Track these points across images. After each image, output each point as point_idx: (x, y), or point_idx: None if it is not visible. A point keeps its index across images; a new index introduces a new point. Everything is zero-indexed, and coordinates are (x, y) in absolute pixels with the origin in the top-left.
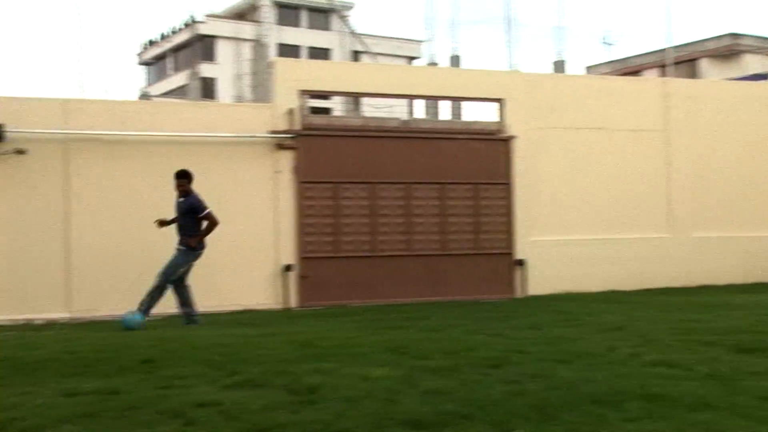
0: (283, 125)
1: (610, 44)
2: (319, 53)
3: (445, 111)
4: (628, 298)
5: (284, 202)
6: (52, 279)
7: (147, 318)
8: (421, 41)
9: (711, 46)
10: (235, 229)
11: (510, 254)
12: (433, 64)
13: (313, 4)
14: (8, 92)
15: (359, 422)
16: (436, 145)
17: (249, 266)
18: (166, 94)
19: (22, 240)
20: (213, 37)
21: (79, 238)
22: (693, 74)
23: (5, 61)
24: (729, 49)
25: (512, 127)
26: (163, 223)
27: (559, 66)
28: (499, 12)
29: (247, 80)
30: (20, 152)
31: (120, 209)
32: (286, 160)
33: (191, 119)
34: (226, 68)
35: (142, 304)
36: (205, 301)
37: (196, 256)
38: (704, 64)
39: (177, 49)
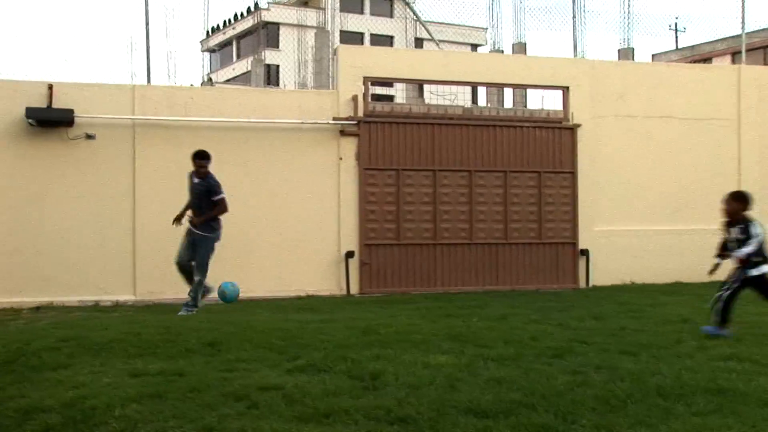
0: (346, 112)
1: (679, 31)
2: (383, 40)
3: (509, 99)
4: (693, 291)
5: (347, 189)
6: (119, 262)
7: (200, 306)
8: (485, 28)
9: None
10: (298, 215)
11: (573, 244)
12: (497, 51)
13: None
14: (77, 78)
15: (421, 409)
16: (500, 133)
17: (311, 253)
18: (229, 81)
19: (91, 222)
20: (277, 24)
21: (144, 222)
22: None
23: (73, 48)
24: None
25: (577, 116)
26: (178, 218)
27: (625, 53)
28: None
29: (310, 67)
30: (89, 137)
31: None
32: (349, 147)
33: (254, 105)
34: (289, 55)
35: (192, 299)
36: (267, 287)
37: (218, 238)
38: None
39: (241, 36)
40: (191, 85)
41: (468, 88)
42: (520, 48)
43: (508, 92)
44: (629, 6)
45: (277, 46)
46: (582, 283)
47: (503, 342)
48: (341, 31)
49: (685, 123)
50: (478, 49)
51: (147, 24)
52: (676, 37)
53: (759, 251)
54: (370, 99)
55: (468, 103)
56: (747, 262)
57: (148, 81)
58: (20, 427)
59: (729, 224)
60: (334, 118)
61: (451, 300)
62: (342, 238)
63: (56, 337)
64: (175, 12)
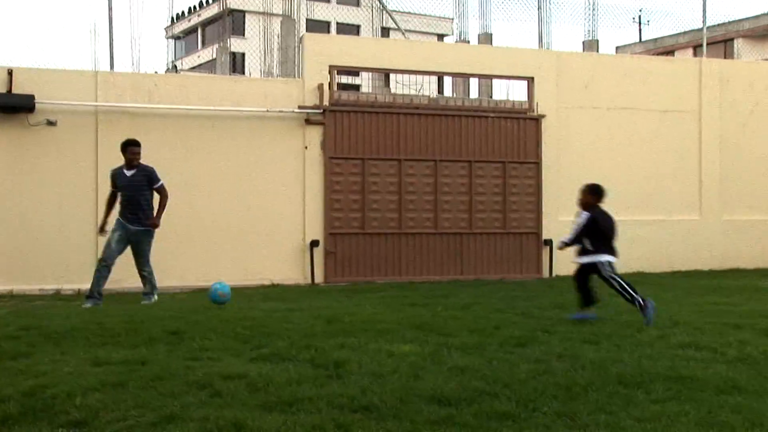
0: (312, 100)
1: (643, 23)
2: (349, 29)
3: (474, 89)
4: (655, 280)
5: (312, 178)
6: (80, 250)
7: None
8: (451, 18)
9: (747, 25)
10: (263, 203)
11: (538, 234)
12: (463, 41)
13: None
14: (38, 64)
15: (385, 397)
16: (465, 123)
17: (276, 241)
18: (194, 69)
19: (52, 210)
20: (242, 11)
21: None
22: (728, 55)
23: (35, 33)
24: (766, 28)
25: (542, 106)
26: (104, 228)
27: (590, 45)
28: None
29: (276, 55)
30: (51, 123)
31: None
32: (314, 135)
33: (220, 93)
34: (255, 43)
35: (151, 286)
36: (232, 275)
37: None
38: (740, 44)
39: (206, 23)
40: (155, 72)
41: (434, 78)
42: (485, 38)
43: (474, 82)
44: None
45: (243, 34)
46: (545, 273)
47: (467, 331)
48: (307, 20)
49: (649, 114)
50: (445, 39)
51: (110, 9)
52: (640, 29)
53: (602, 240)
54: (335, 88)
55: (434, 93)
56: (581, 250)
57: (112, 67)
58: None
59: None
60: (300, 107)
61: (415, 289)
62: (307, 227)
63: (16, 326)
64: None
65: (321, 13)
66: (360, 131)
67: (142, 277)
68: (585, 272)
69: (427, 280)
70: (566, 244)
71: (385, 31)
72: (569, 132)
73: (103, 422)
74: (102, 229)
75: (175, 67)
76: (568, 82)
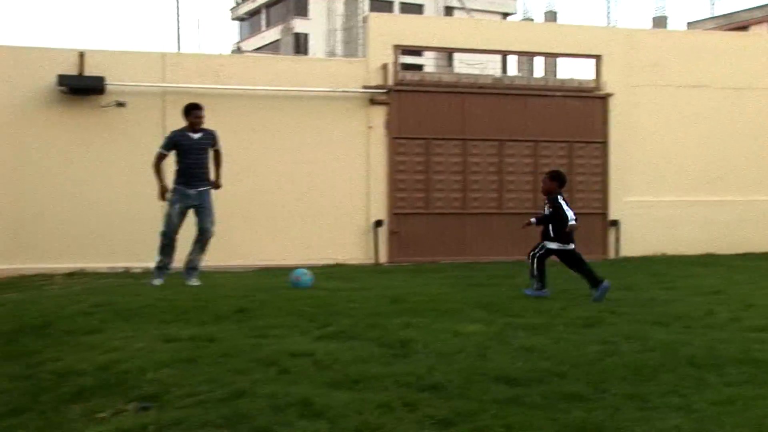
0: (376, 80)
1: None
2: (412, 8)
3: (539, 68)
4: (726, 262)
5: (376, 158)
6: (149, 228)
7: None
8: None
9: None
10: (327, 183)
11: (604, 214)
12: (528, 19)
13: None
14: (108, 46)
15: (451, 377)
16: (530, 103)
17: (340, 221)
18: (258, 50)
19: (122, 190)
20: None
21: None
22: None
23: (105, 16)
24: None
25: (609, 85)
26: (164, 193)
27: (659, 21)
28: None
29: (339, 36)
30: (120, 104)
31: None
32: (378, 115)
33: (285, 74)
34: (318, 24)
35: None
36: (296, 255)
37: None
38: None
39: (270, 4)
40: (221, 53)
41: (498, 57)
42: (551, 16)
43: (538, 61)
44: None
45: (307, 15)
46: (612, 254)
47: (533, 311)
48: (371, 0)
49: (721, 92)
50: (508, 18)
51: None
52: (712, 4)
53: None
54: (399, 68)
55: (498, 72)
56: (547, 235)
57: (179, 49)
58: (56, 389)
59: (546, 199)
60: (364, 87)
61: (480, 269)
62: (371, 207)
63: (89, 303)
64: None
65: None
66: (424, 111)
67: (199, 250)
68: (547, 256)
69: (491, 261)
70: (553, 230)
71: (449, 10)
72: (638, 111)
73: (174, 397)
74: (163, 195)
75: (240, 48)
76: (636, 60)
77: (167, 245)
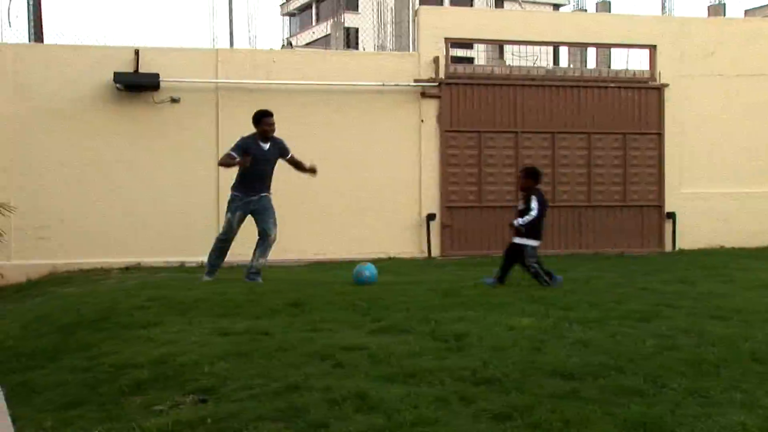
0: (427, 74)
1: None
2: (463, 1)
3: (592, 59)
4: None
5: (428, 152)
6: (203, 223)
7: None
8: None
9: None
10: (379, 177)
11: (660, 207)
12: (580, 10)
13: None
14: (162, 43)
15: (507, 371)
16: (584, 94)
17: (392, 215)
18: (309, 45)
19: (176, 185)
20: None
21: (227, 185)
22: None
23: (158, 13)
24: None
25: (664, 75)
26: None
27: (715, 10)
28: None
29: (389, 30)
30: (174, 101)
31: None
32: (430, 109)
33: (335, 68)
34: (368, 18)
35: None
36: (348, 249)
37: None
38: None
39: None
40: (272, 48)
41: (550, 49)
42: (603, 6)
43: (590, 52)
44: None
45: (356, 9)
46: (668, 247)
47: (588, 305)
48: None
49: None
50: (561, 8)
51: None
52: None
53: (536, 225)
54: (450, 61)
55: (550, 64)
56: (519, 230)
57: (231, 45)
58: (114, 382)
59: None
60: (415, 80)
61: None
62: (423, 201)
63: (145, 297)
64: None
65: None
66: (476, 104)
67: (260, 254)
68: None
69: (544, 254)
70: (523, 226)
71: (499, 2)
72: (693, 101)
73: (230, 390)
74: (245, 161)
75: (290, 43)
76: (692, 50)
77: (223, 248)
